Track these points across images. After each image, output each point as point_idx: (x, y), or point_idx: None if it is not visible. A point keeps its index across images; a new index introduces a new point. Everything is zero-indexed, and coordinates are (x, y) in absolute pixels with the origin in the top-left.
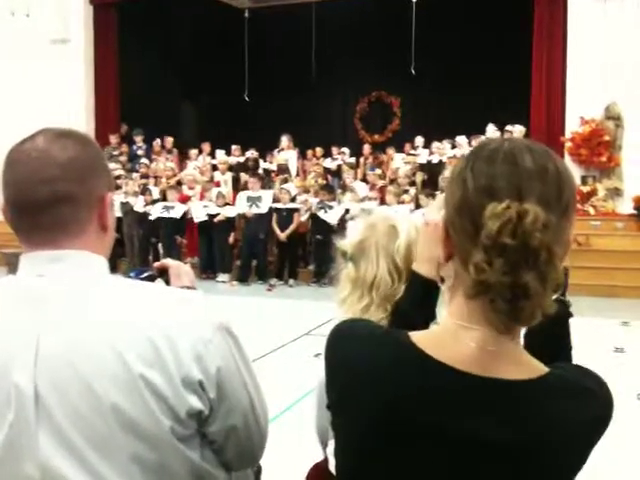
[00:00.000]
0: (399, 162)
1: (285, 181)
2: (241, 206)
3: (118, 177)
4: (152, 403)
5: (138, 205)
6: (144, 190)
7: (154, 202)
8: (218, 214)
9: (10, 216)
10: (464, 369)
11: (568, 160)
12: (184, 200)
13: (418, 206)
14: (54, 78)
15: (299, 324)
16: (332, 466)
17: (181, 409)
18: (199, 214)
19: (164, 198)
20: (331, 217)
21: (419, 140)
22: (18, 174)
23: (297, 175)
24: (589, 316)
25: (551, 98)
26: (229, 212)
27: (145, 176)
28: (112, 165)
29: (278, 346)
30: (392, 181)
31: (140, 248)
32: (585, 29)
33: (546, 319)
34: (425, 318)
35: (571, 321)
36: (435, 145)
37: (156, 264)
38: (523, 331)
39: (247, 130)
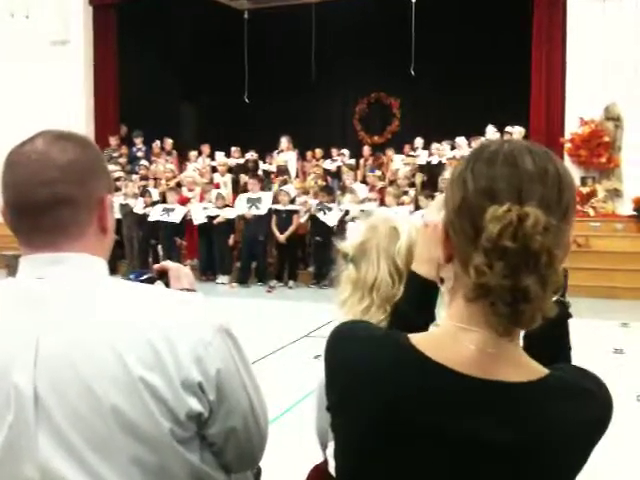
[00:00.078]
0: (398, 163)
1: (284, 182)
2: (241, 208)
3: (118, 179)
4: (152, 405)
5: (138, 207)
6: (144, 192)
7: (154, 204)
8: (218, 216)
9: (10, 218)
10: (464, 371)
11: (568, 161)
12: (184, 202)
13: (418, 207)
14: (53, 79)
15: (299, 326)
16: (332, 468)
17: (181, 411)
18: (198, 217)
19: (164, 200)
20: (330, 219)
21: (418, 141)
22: (18, 176)
23: (297, 176)
24: (588, 317)
25: (550, 99)
26: (229, 214)
27: (145, 178)
28: (112, 167)
29: (278, 348)
30: (391, 182)
31: (140, 250)
32: (584, 30)
33: (546, 321)
34: (424, 319)
35: (570, 322)
36: (435, 146)
37: (156, 266)
38: (522, 332)
39: (247, 131)
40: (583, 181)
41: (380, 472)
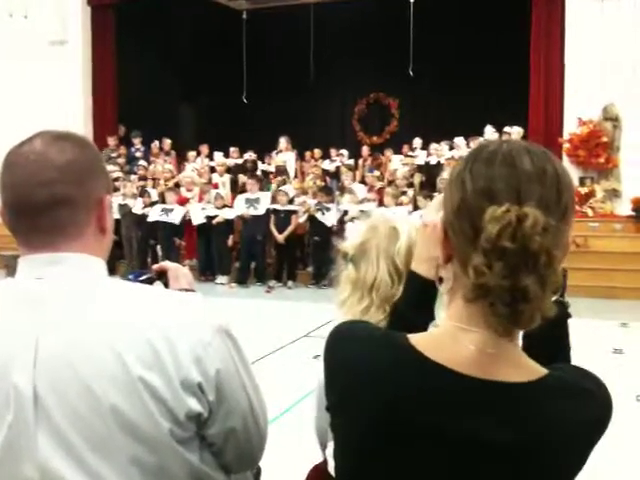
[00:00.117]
0: (397, 164)
1: (283, 183)
2: (239, 208)
3: (116, 179)
4: (151, 405)
5: (136, 207)
6: (142, 192)
7: (152, 204)
8: (216, 216)
9: (8, 219)
10: (463, 371)
11: (566, 161)
12: (182, 202)
13: (416, 207)
14: (52, 79)
15: (298, 326)
16: (331, 468)
17: (180, 411)
18: (197, 217)
19: (162, 200)
20: (328, 219)
21: (417, 141)
22: (16, 177)
23: (295, 177)
24: (588, 317)
25: (549, 99)
26: (227, 214)
27: (143, 178)
28: (110, 167)
29: (277, 348)
30: (390, 183)
31: (138, 250)
32: (583, 30)
33: (545, 321)
34: (423, 319)
35: (570, 322)
36: (433, 146)
37: (155, 266)
38: (522, 332)
39: (245, 131)
40: (581, 181)
41: (380, 472)
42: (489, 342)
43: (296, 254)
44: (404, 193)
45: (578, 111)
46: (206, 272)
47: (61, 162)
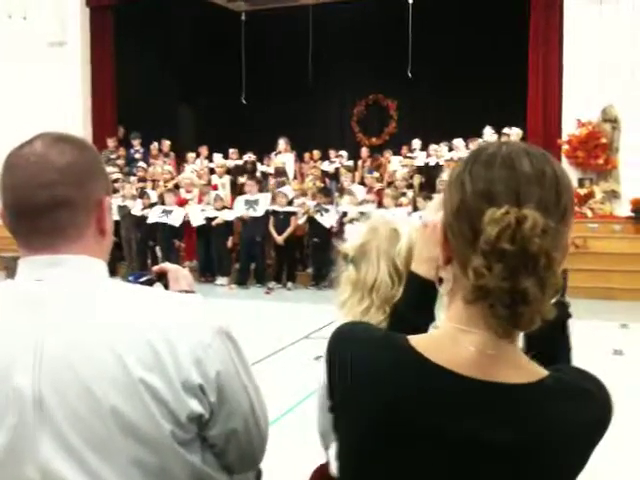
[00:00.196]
0: (396, 165)
1: (282, 184)
2: (239, 210)
3: (116, 181)
4: (152, 407)
5: (136, 209)
6: (142, 194)
7: (152, 205)
8: (216, 217)
9: (8, 220)
10: (463, 372)
11: (565, 163)
12: (182, 203)
13: (416, 209)
14: (51, 81)
15: (298, 327)
16: (334, 469)
17: (181, 413)
18: (197, 219)
19: (162, 201)
20: (327, 220)
21: (416, 143)
22: (16, 178)
23: (295, 178)
24: (587, 318)
25: (548, 100)
26: (227, 216)
27: (143, 179)
28: (110, 169)
29: (277, 349)
30: (389, 184)
31: (138, 251)
32: (581, 32)
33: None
34: (423, 319)
35: (570, 323)
36: (432, 148)
37: (155, 268)
38: (522, 333)
39: (244, 133)
40: (581, 183)
41: (380, 473)
42: (489, 343)
43: (295, 255)
44: (403, 194)
45: (577, 112)
46: (206, 273)
47: (61, 164)
